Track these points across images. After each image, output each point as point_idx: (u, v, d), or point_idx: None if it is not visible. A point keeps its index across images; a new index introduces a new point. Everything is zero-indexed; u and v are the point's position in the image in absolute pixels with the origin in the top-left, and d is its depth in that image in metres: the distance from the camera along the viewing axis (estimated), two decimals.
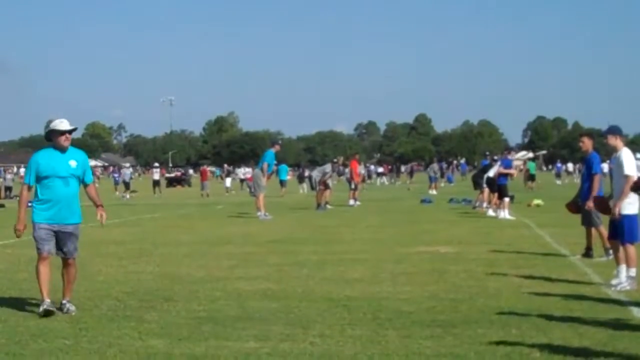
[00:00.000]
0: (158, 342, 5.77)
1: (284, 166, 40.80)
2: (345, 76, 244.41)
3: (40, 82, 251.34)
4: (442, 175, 43.84)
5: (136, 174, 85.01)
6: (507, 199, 18.68)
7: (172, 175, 60.15)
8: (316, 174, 24.68)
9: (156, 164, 47.59)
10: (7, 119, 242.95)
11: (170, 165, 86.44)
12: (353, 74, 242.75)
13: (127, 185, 37.97)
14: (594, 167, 10.03)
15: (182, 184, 55.03)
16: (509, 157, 21.05)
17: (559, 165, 64.59)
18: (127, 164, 49.00)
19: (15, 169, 69.44)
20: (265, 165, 19.75)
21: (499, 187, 19.06)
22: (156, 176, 42.71)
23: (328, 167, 24.82)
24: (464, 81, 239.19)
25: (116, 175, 46.97)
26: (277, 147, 20.59)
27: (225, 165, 49.81)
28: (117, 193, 40.44)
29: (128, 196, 36.25)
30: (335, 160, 28.12)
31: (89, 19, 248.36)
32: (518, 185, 43.22)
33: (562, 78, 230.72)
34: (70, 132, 7.07)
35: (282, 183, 38.11)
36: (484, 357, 5.26)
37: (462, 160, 74.68)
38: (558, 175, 59.93)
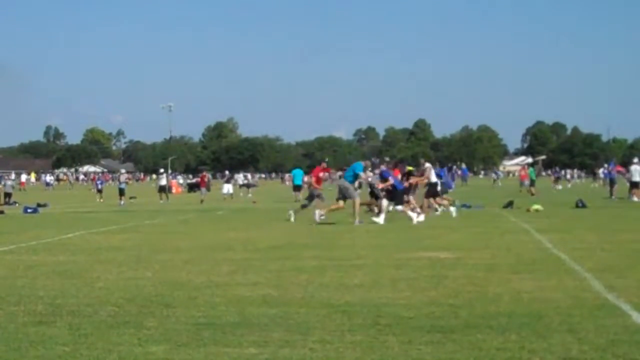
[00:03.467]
0: (157, 349, 5.77)
1: (298, 170, 40.27)
2: (345, 82, 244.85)
3: (39, 88, 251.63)
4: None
5: (130, 180, 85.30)
6: (384, 203, 19.40)
7: (193, 181, 62.25)
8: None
9: (161, 170, 47.89)
10: (6, 125, 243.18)
11: (170, 171, 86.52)
12: (352, 79, 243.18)
13: (121, 191, 38.05)
14: None
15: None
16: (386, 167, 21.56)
17: (558, 171, 64.91)
18: (123, 170, 49.29)
19: (13, 175, 69.42)
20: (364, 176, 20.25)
21: (396, 193, 19.72)
22: (163, 182, 42.93)
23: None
24: (463, 86, 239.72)
25: (99, 182, 47.35)
26: (368, 163, 21.24)
27: (227, 172, 49.96)
28: (99, 200, 40.62)
29: (123, 202, 36.33)
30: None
31: (88, 25, 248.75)
32: (517, 191, 43.33)
33: (561, 83, 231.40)
34: None
35: (297, 188, 37.57)
36: None
37: (463, 166, 74.41)
38: (557, 180, 60.21)
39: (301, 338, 6.02)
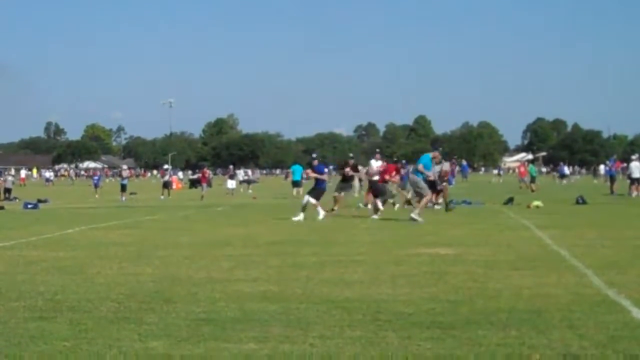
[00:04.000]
0: (158, 344, 5.77)
1: (298, 166, 39.95)
2: (345, 78, 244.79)
3: (39, 84, 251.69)
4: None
5: (131, 176, 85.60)
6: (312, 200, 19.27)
7: (195, 177, 64.04)
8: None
9: (166, 166, 48.08)
10: (6, 121, 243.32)
11: (170, 167, 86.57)
12: (352, 75, 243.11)
13: (123, 187, 38.13)
14: None
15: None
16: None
17: (563, 167, 65.13)
18: (125, 167, 49.42)
19: (13, 171, 69.41)
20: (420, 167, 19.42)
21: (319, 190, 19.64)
22: (167, 177, 43.22)
23: (446, 166, 24.76)
24: (463, 83, 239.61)
25: (95, 178, 47.57)
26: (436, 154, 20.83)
27: (231, 167, 50.11)
28: (97, 196, 40.76)
29: (124, 198, 36.39)
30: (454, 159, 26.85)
31: (88, 21, 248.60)
32: (517, 187, 43.32)
33: (561, 79, 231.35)
34: None
35: (296, 184, 37.34)
36: (484, 359, 5.26)
37: (464, 162, 74.26)
38: (562, 177, 60.65)
39: (301, 333, 6.02)
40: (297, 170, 38.58)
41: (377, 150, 26.06)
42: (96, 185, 44.48)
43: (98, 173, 54.53)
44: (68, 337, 6.04)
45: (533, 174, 41.98)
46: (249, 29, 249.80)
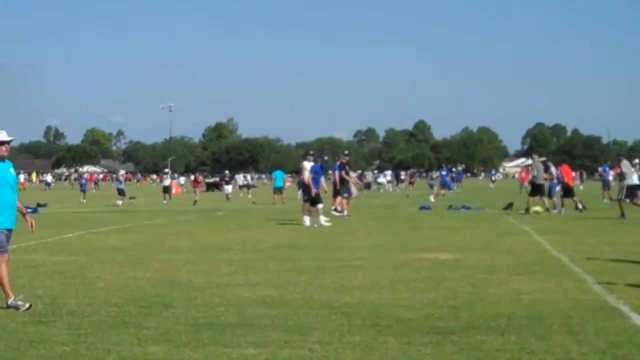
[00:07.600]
0: (157, 349, 5.77)
1: (280, 172, 39.67)
2: (345, 83, 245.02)
3: (39, 87, 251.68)
4: (444, 185, 43.53)
5: (129, 180, 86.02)
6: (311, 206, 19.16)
7: (211, 180, 68.97)
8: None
9: (166, 170, 48.24)
10: (6, 124, 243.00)
11: (169, 171, 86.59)
12: (352, 80, 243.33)
13: (120, 192, 38.04)
14: None
15: (219, 188, 58.03)
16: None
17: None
18: (122, 172, 49.64)
19: None
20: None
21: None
22: (167, 182, 43.35)
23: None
24: (463, 88, 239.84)
25: (83, 181, 47.53)
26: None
27: (227, 172, 50.12)
28: (83, 200, 40.70)
29: (120, 202, 36.26)
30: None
31: (88, 25, 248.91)
32: (516, 192, 43.27)
33: (561, 85, 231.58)
34: (8, 142, 8.05)
35: (278, 190, 37.05)
36: None
37: (460, 168, 74.33)
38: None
39: (301, 339, 6.02)
40: (278, 176, 38.17)
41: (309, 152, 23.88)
42: (83, 190, 44.43)
43: (85, 176, 54.74)
44: (67, 341, 6.04)
45: None
46: (249, 33, 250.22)
